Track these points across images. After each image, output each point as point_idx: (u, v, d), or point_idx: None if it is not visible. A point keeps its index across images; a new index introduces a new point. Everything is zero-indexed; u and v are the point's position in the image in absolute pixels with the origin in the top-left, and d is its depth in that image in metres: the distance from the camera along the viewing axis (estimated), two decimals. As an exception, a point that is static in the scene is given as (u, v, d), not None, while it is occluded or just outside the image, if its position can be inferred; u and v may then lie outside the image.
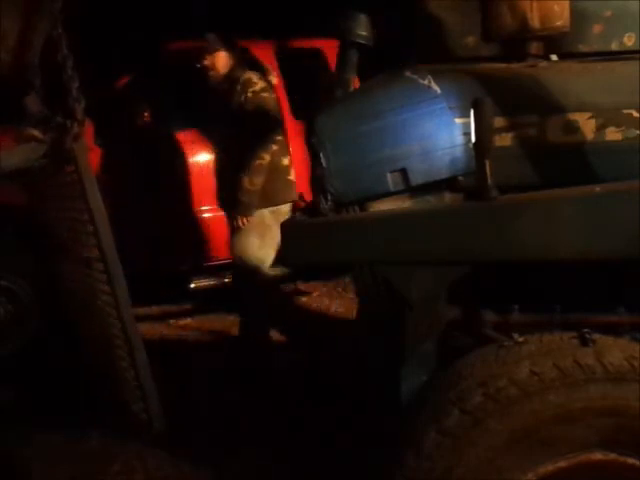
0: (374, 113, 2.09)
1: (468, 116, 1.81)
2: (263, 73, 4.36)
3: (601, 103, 2.05)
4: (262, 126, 4.12)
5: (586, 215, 1.80)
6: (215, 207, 4.66)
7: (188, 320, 5.42)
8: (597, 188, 1.82)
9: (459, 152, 2.06)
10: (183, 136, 5.13)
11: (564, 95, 2.05)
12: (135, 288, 2.43)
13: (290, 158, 4.30)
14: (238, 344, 4.44)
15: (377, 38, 2.22)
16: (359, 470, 2.31)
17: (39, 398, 3.93)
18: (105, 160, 4.87)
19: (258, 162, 4.06)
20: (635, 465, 1.72)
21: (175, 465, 3.27)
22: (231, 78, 4.19)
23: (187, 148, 5.11)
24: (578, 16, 2.19)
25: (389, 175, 2.08)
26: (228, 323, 5.02)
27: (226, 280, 4.94)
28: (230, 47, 4.24)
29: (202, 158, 5.04)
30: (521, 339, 1.82)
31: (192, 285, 5.09)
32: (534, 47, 2.23)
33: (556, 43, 2.23)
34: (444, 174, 2.08)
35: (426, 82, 2.09)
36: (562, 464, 1.73)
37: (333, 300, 5.71)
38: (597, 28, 2.21)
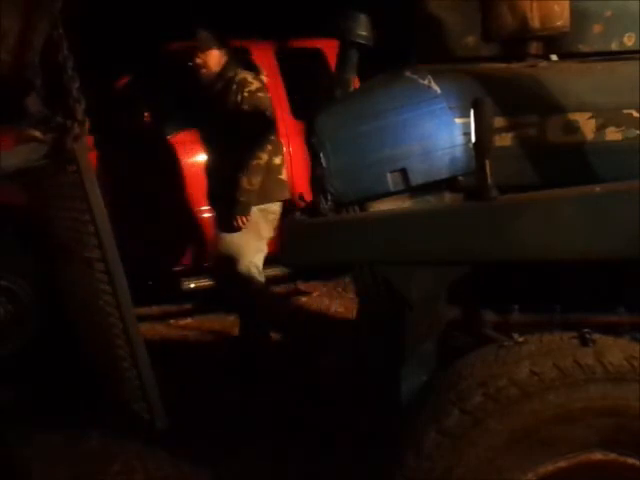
0: (374, 113, 2.09)
1: (468, 116, 1.81)
2: (256, 72, 4.36)
3: (601, 103, 2.05)
4: (258, 126, 4.12)
5: (586, 215, 1.80)
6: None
7: (188, 320, 5.42)
8: (597, 188, 1.82)
9: (459, 152, 2.06)
10: (183, 136, 5.12)
11: (564, 95, 2.05)
12: (135, 288, 2.43)
13: (282, 157, 4.30)
14: (237, 344, 4.45)
15: (377, 38, 2.22)
16: (359, 470, 2.31)
17: (39, 398, 3.93)
18: (104, 160, 4.87)
19: (256, 162, 4.06)
20: (635, 465, 1.72)
21: (175, 465, 3.27)
22: (224, 77, 4.17)
23: (187, 148, 5.11)
24: (578, 16, 2.19)
25: (389, 175, 2.08)
26: (228, 323, 5.02)
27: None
28: (222, 45, 4.22)
29: (202, 158, 5.04)
30: (521, 339, 1.82)
31: (192, 285, 5.09)
32: (534, 47, 2.23)
33: (556, 43, 2.23)
34: (444, 174, 2.08)
35: (426, 82, 2.09)
36: (562, 464, 1.73)
37: (333, 300, 5.71)
38: (597, 28, 2.21)
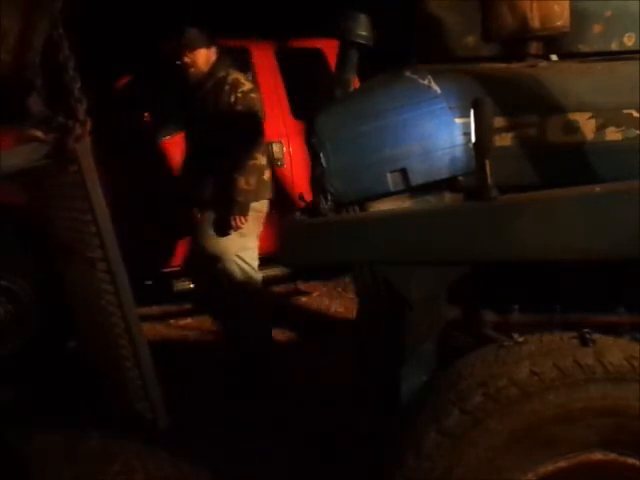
0: (374, 113, 2.09)
1: (468, 116, 1.81)
2: (245, 72, 4.33)
3: (601, 103, 2.05)
4: (252, 126, 4.12)
5: (586, 215, 1.80)
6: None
7: (188, 320, 5.42)
8: (597, 188, 1.82)
9: (459, 152, 2.06)
10: (182, 136, 5.11)
11: (564, 95, 2.05)
12: (135, 288, 2.43)
13: (267, 158, 4.27)
14: (237, 345, 4.44)
15: (377, 38, 2.22)
16: (359, 470, 2.31)
17: (39, 398, 3.93)
18: (104, 160, 4.86)
19: (252, 162, 4.06)
20: (635, 465, 1.72)
21: (175, 465, 3.27)
22: (214, 77, 4.14)
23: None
24: (578, 16, 2.19)
25: (389, 175, 2.08)
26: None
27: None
28: (211, 44, 4.19)
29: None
30: (521, 339, 1.82)
31: (192, 285, 5.09)
32: (534, 47, 2.23)
33: (556, 43, 2.23)
34: (444, 174, 2.08)
35: (426, 82, 2.09)
36: (562, 464, 1.73)
37: (333, 300, 5.71)
38: (597, 28, 2.21)
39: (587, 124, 2.04)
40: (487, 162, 1.78)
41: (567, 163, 2.06)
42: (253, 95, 4.13)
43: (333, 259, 2.04)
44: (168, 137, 5.15)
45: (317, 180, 2.10)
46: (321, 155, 2.08)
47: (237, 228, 4.09)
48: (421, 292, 1.95)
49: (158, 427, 2.39)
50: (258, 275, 4.28)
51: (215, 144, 4.07)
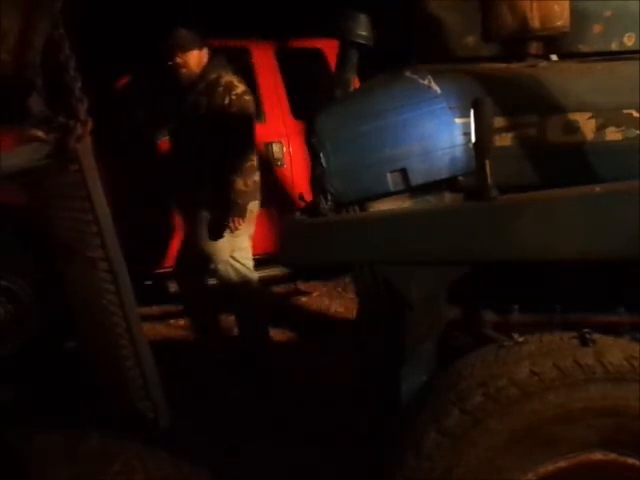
0: (374, 113, 2.10)
1: (468, 116, 1.81)
2: (245, 72, 4.32)
3: (601, 103, 2.05)
4: (247, 128, 4.12)
5: (586, 215, 1.80)
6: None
7: (188, 320, 5.42)
8: (597, 188, 1.82)
9: (459, 152, 2.06)
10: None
11: (564, 95, 2.05)
12: (135, 288, 2.43)
13: (257, 160, 4.26)
14: (237, 344, 4.45)
15: (377, 38, 2.22)
16: (359, 470, 2.31)
17: (39, 398, 3.93)
18: (103, 160, 4.85)
19: (249, 163, 4.06)
20: (635, 465, 1.72)
21: (175, 465, 3.27)
22: (206, 78, 4.12)
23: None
24: (578, 16, 2.19)
25: (389, 175, 2.08)
26: (230, 323, 5.01)
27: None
28: (203, 45, 4.17)
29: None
30: (521, 339, 1.82)
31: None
32: (534, 47, 2.24)
33: (556, 43, 2.23)
34: (444, 174, 2.09)
35: (426, 82, 2.09)
36: (562, 464, 1.73)
37: (333, 300, 5.71)
38: (597, 28, 2.21)
39: (587, 124, 2.04)
40: (487, 162, 1.78)
41: (567, 163, 2.06)
42: (247, 97, 4.12)
43: (333, 259, 2.04)
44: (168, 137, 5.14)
45: (317, 180, 2.10)
46: (321, 155, 2.08)
47: (235, 230, 4.08)
48: (421, 292, 1.95)
49: (160, 427, 2.39)
50: (254, 275, 4.28)
51: (207, 145, 4.05)
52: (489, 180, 1.79)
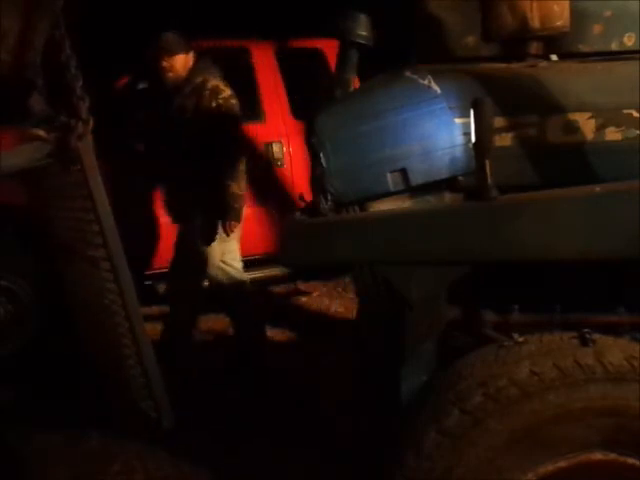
0: (374, 113, 2.09)
1: (468, 116, 1.81)
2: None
3: (601, 103, 2.05)
4: (236, 132, 4.12)
5: (586, 215, 1.80)
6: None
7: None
8: (597, 188, 1.82)
9: (459, 152, 2.06)
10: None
11: (564, 95, 2.05)
12: (136, 288, 2.43)
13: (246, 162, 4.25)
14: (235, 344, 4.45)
15: (377, 38, 2.22)
16: (359, 470, 2.31)
17: (39, 398, 3.93)
18: (103, 161, 4.84)
19: (241, 168, 4.05)
20: (635, 465, 1.72)
21: (175, 465, 3.27)
22: (192, 82, 4.09)
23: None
24: (578, 16, 2.19)
25: (389, 175, 2.08)
26: (228, 323, 5.01)
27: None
28: (189, 49, 4.14)
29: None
30: (521, 339, 1.82)
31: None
32: (534, 47, 2.24)
33: (556, 43, 2.23)
34: (444, 174, 2.09)
35: (426, 82, 2.09)
36: (562, 464, 1.73)
37: (333, 300, 5.71)
38: (597, 28, 2.21)
39: (587, 124, 2.04)
40: (487, 162, 1.78)
41: (567, 163, 2.06)
42: (233, 101, 4.10)
43: (333, 259, 2.04)
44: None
45: (317, 180, 2.10)
46: (321, 155, 2.08)
47: (230, 233, 4.08)
48: (421, 292, 1.95)
49: (162, 426, 2.39)
50: (244, 276, 4.28)
51: (194, 148, 4.02)
52: (489, 180, 1.79)
